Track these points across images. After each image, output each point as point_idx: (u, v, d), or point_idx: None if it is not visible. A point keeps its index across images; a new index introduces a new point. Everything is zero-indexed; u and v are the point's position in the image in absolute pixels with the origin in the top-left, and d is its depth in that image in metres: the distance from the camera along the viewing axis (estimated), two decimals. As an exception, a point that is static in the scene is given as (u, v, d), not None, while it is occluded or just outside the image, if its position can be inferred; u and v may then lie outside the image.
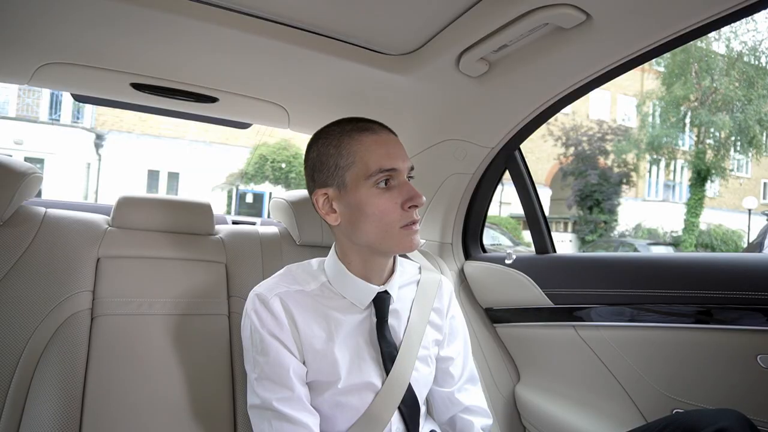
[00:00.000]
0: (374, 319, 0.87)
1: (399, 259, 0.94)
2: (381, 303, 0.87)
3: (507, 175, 1.42)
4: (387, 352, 0.86)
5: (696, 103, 12.51)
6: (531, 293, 1.28)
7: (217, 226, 1.21)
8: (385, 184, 0.80)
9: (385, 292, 0.88)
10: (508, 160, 1.35)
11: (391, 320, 0.89)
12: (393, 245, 0.82)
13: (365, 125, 0.84)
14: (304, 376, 0.83)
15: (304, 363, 0.83)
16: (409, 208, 0.80)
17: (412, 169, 0.85)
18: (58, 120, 11.73)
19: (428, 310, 0.94)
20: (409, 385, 0.87)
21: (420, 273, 1.00)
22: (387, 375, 0.85)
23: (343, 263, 0.87)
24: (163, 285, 1.02)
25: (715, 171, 12.92)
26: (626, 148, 13.40)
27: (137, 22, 0.90)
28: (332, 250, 0.91)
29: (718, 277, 0.93)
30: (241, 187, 12.43)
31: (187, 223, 1.14)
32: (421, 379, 0.91)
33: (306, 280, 0.88)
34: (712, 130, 12.14)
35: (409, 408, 0.87)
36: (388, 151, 0.81)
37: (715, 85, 12.00)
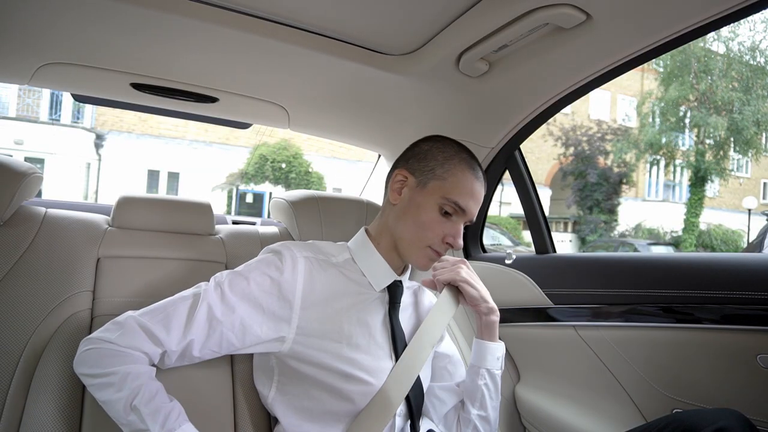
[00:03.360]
0: (387, 306, 0.91)
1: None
2: (396, 290, 0.92)
3: (507, 175, 1.42)
4: (398, 336, 0.89)
5: (695, 103, 12.52)
6: (531, 293, 1.28)
7: (217, 226, 1.21)
8: (447, 212, 0.87)
9: (400, 282, 0.93)
10: (508, 160, 1.35)
11: (400, 313, 0.93)
12: (412, 254, 0.90)
13: (474, 165, 0.91)
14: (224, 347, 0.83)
15: (294, 340, 0.83)
16: (445, 242, 0.88)
17: (472, 221, 0.92)
18: (58, 120, 11.72)
19: (444, 322, 0.94)
20: (418, 376, 0.88)
21: (419, 288, 1.05)
22: (396, 360, 0.87)
23: (372, 242, 0.93)
24: (163, 285, 1.02)
25: (715, 171, 12.93)
26: (626, 148, 13.41)
27: (137, 22, 0.90)
28: (362, 231, 0.97)
29: (718, 277, 0.93)
30: (241, 187, 12.42)
31: (187, 223, 1.14)
32: (425, 377, 0.93)
33: (332, 253, 0.93)
34: (711, 130, 12.14)
35: (416, 397, 0.89)
36: (473, 194, 0.89)
37: (712, 86, 12.00)
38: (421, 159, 0.91)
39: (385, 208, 0.95)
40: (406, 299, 0.96)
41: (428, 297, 1.06)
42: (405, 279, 0.96)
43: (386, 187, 0.96)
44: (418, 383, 0.89)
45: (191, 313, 0.80)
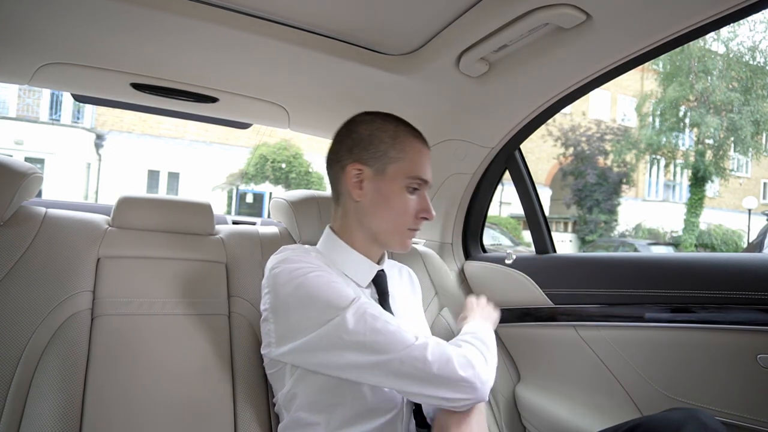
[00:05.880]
0: (376, 296, 0.91)
1: None
2: (380, 280, 0.92)
3: (507, 175, 1.42)
4: None
5: (695, 103, 12.52)
6: (531, 293, 1.28)
7: (217, 226, 1.21)
8: (413, 190, 0.87)
9: (382, 270, 0.93)
10: (508, 160, 1.35)
11: (394, 300, 0.94)
12: (394, 241, 0.89)
13: (416, 133, 0.90)
14: None
15: None
16: (420, 217, 0.88)
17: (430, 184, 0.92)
18: (59, 120, 11.72)
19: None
20: None
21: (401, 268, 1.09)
22: None
23: (344, 241, 0.90)
24: (163, 285, 1.02)
25: (715, 171, 12.93)
26: (625, 149, 13.41)
27: (137, 22, 0.90)
28: (327, 232, 0.94)
29: (718, 277, 0.93)
30: (242, 187, 12.42)
31: (187, 223, 1.14)
32: None
33: (308, 259, 0.87)
34: (712, 129, 12.14)
35: None
36: (427, 163, 0.90)
37: (712, 86, 12.00)
38: (366, 146, 0.87)
39: (346, 205, 0.91)
40: (395, 283, 0.97)
41: (409, 273, 1.09)
42: (385, 266, 0.96)
43: (334, 183, 0.92)
44: None
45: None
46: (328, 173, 0.94)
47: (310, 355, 0.78)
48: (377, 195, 0.86)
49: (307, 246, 0.94)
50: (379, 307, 0.80)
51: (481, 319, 0.94)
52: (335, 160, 0.91)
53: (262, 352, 0.89)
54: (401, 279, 1.04)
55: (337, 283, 0.80)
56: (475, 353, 0.79)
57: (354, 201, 0.88)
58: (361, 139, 0.88)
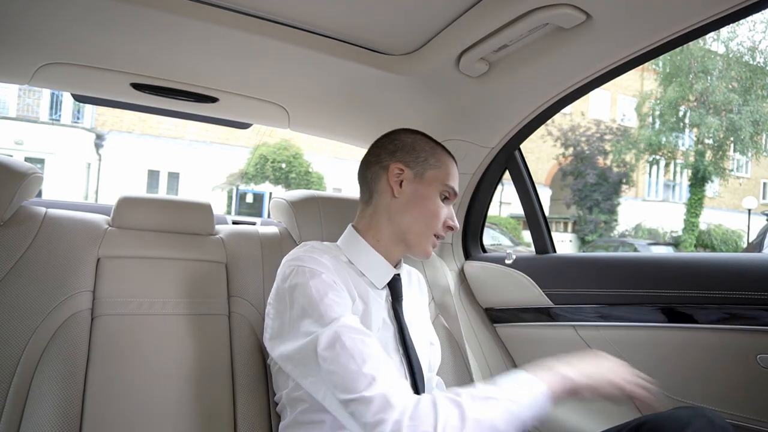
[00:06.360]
0: (390, 299, 0.92)
1: None
2: (396, 283, 0.94)
3: (507, 175, 1.42)
4: (406, 331, 0.90)
5: (695, 103, 12.52)
6: (531, 293, 1.28)
7: (217, 226, 1.21)
8: (446, 197, 0.94)
9: (398, 275, 0.95)
10: (508, 160, 1.35)
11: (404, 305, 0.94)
12: (419, 244, 0.92)
13: (450, 153, 0.98)
14: None
15: None
16: (446, 226, 0.93)
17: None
18: (59, 120, 11.72)
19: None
20: (420, 365, 0.90)
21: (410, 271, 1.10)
22: (403, 352, 0.89)
23: (367, 241, 0.92)
24: (163, 285, 1.02)
25: (715, 171, 12.94)
26: (625, 149, 13.41)
27: (137, 22, 0.91)
28: (350, 230, 0.95)
29: (718, 277, 0.93)
30: (242, 187, 12.43)
31: (187, 223, 1.14)
32: (424, 362, 0.94)
33: (332, 253, 0.89)
34: (712, 130, 12.14)
35: (424, 389, 0.89)
36: (458, 177, 0.97)
37: (711, 86, 12.00)
38: (409, 151, 0.93)
39: (379, 203, 0.93)
40: (405, 287, 0.98)
41: (418, 276, 1.09)
42: (401, 271, 0.98)
43: (370, 182, 0.94)
44: (421, 373, 0.90)
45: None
46: (364, 174, 0.96)
47: (290, 363, 0.79)
48: (414, 196, 0.91)
49: (327, 243, 0.95)
50: (362, 336, 0.73)
51: (541, 379, 0.71)
52: (375, 161, 0.94)
53: (265, 343, 0.87)
54: (410, 282, 1.04)
55: (331, 299, 0.77)
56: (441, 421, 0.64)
57: (391, 198, 0.91)
58: (404, 145, 0.94)
